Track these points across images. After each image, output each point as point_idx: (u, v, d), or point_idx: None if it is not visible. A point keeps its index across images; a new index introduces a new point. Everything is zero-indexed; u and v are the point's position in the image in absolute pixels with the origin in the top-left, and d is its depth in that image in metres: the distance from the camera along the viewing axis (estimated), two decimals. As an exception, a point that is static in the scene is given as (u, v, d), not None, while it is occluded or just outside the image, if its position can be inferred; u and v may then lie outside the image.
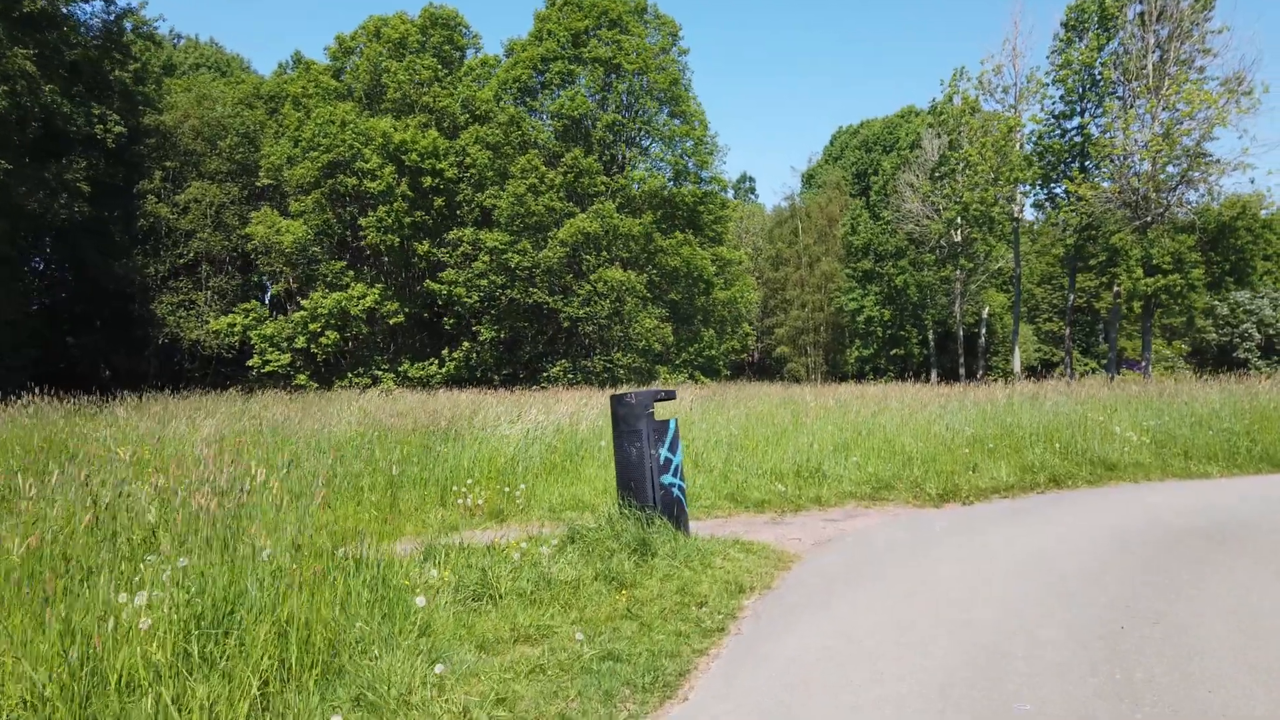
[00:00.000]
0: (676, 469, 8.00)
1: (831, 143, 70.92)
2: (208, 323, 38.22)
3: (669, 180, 37.45)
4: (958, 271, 50.36)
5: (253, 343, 37.24)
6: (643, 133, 36.92)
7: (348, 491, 10.88)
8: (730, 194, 44.46)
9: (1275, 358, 43.90)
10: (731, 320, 39.49)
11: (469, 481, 10.87)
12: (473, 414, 15.37)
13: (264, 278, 39.24)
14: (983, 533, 8.81)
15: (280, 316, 38.23)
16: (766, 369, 66.75)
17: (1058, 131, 44.32)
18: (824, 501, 10.86)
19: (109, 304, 40.72)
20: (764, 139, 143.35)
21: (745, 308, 39.90)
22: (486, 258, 34.81)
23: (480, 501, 10.52)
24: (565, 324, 34.96)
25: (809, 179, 72.48)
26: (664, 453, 7.88)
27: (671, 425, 8.01)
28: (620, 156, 36.61)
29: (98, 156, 39.44)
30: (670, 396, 8.16)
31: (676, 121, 36.93)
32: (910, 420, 14.69)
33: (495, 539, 7.65)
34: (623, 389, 28.99)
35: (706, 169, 38.26)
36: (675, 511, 7.89)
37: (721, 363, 39.33)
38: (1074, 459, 12.83)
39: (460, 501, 10.51)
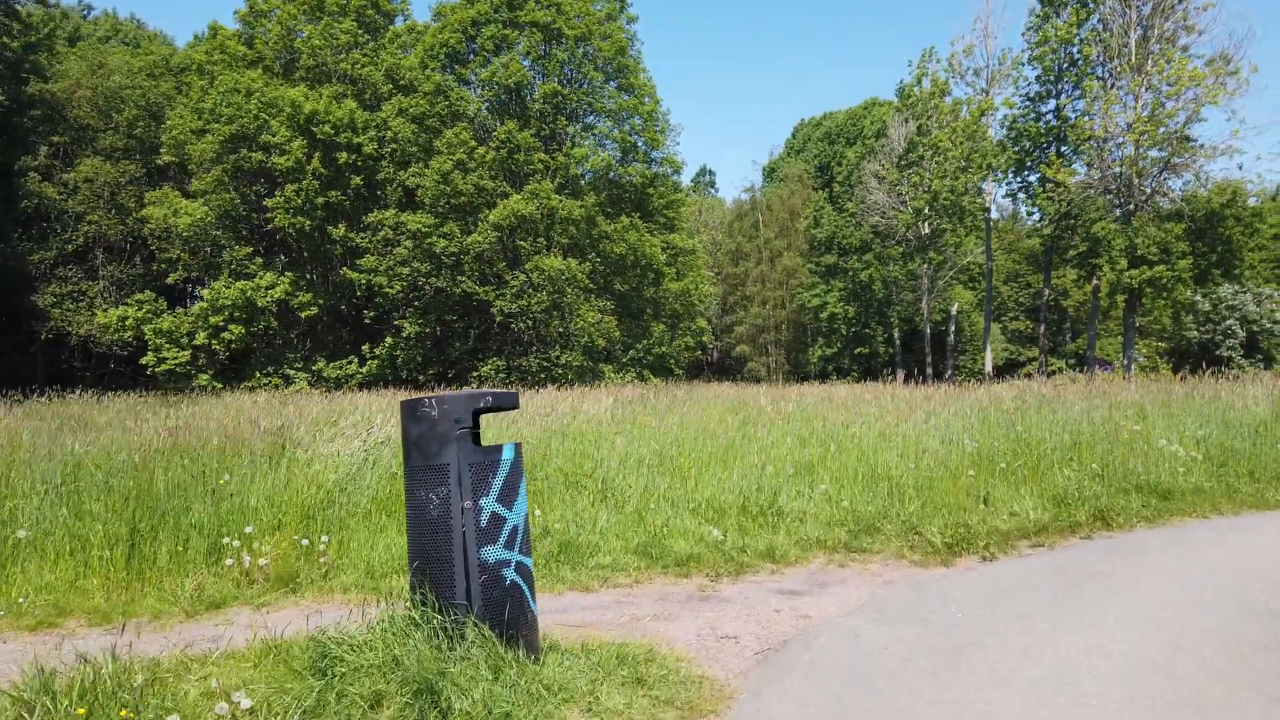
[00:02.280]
0: (515, 535, 4.45)
1: (793, 135, 67.97)
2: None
3: (615, 159, 33.91)
4: (925, 265, 47.48)
5: (147, 338, 33.02)
6: (585, 106, 33.34)
7: (70, 544, 7.25)
8: (684, 178, 41.15)
9: (1259, 356, 41.48)
10: (685, 314, 36.04)
11: (251, 528, 7.25)
12: (332, 423, 11.70)
13: (165, 266, 34.98)
14: (1030, 621, 5.42)
15: (180, 309, 34.06)
16: (726, 369, 63.60)
17: (1033, 115, 41.55)
18: (780, 556, 7.39)
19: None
20: (724, 133, 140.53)
21: (700, 300, 36.49)
22: (409, 243, 31.00)
23: (264, 561, 6.94)
24: (498, 318, 31.26)
25: (770, 172, 69.51)
26: (490, 506, 4.35)
27: (505, 456, 4.47)
28: (560, 132, 32.97)
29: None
30: (506, 405, 4.54)
31: (624, 95, 33.39)
32: (894, 431, 11.30)
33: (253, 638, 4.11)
34: (568, 392, 25.45)
35: (658, 148, 34.80)
36: (509, 613, 4.35)
37: (674, 361, 35.90)
38: (1117, 484, 9.51)
39: (232, 561, 6.92)
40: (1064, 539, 7.98)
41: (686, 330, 36.56)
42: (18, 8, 36.44)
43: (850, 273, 51.93)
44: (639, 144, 34.28)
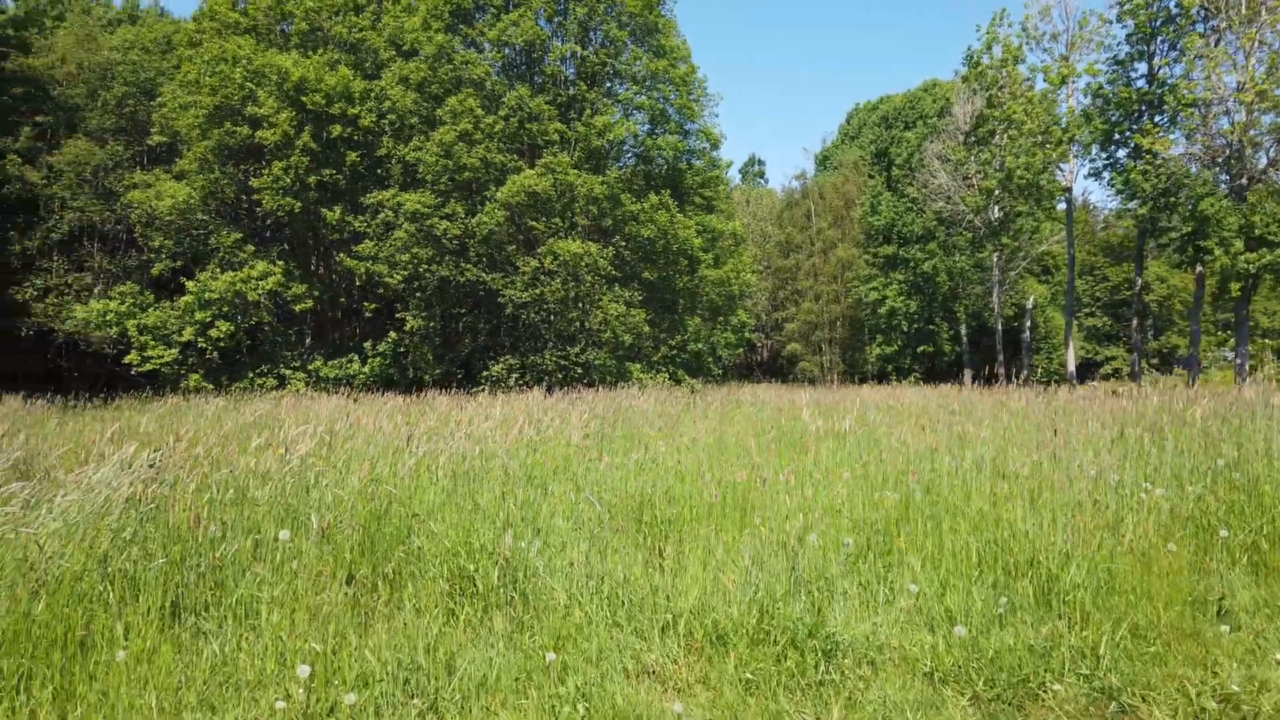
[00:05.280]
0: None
1: (848, 121, 63.24)
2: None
3: (643, 130, 29.81)
4: (996, 255, 42.60)
5: (130, 334, 29.84)
6: (609, 70, 29.30)
7: None
8: (732, 168, 36.84)
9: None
10: (725, 306, 31.80)
11: None
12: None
13: (154, 255, 31.86)
14: None
15: (165, 303, 30.85)
16: (777, 369, 59.20)
17: (1122, 80, 36.50)
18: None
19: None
20: (774, 121, 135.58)
21: (741, 290, 32.16)
22: (410, 226, 27.32)
23: None
24: (508, 310, 27.43)
25: (823, 161, 64.85)
26: None
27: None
28: (579, 99, 28.96)
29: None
30: None
31: (654, 58, 29.30)
32: (1004, 462, 7.09)
33: None
34: (587, 394, 21.58)
35: (693, 119, 30.61)
36: None
37: (713, 360, 31.75)
38: None
39: None
40: None
41: (725, 325, 32.34)
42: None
43: (911, 264, 47.25)
44: (671, 113, 30.16)
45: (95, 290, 32.56)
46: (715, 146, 32.07)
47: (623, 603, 4.74)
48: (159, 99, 31.96)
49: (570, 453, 8.38)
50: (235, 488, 5.76)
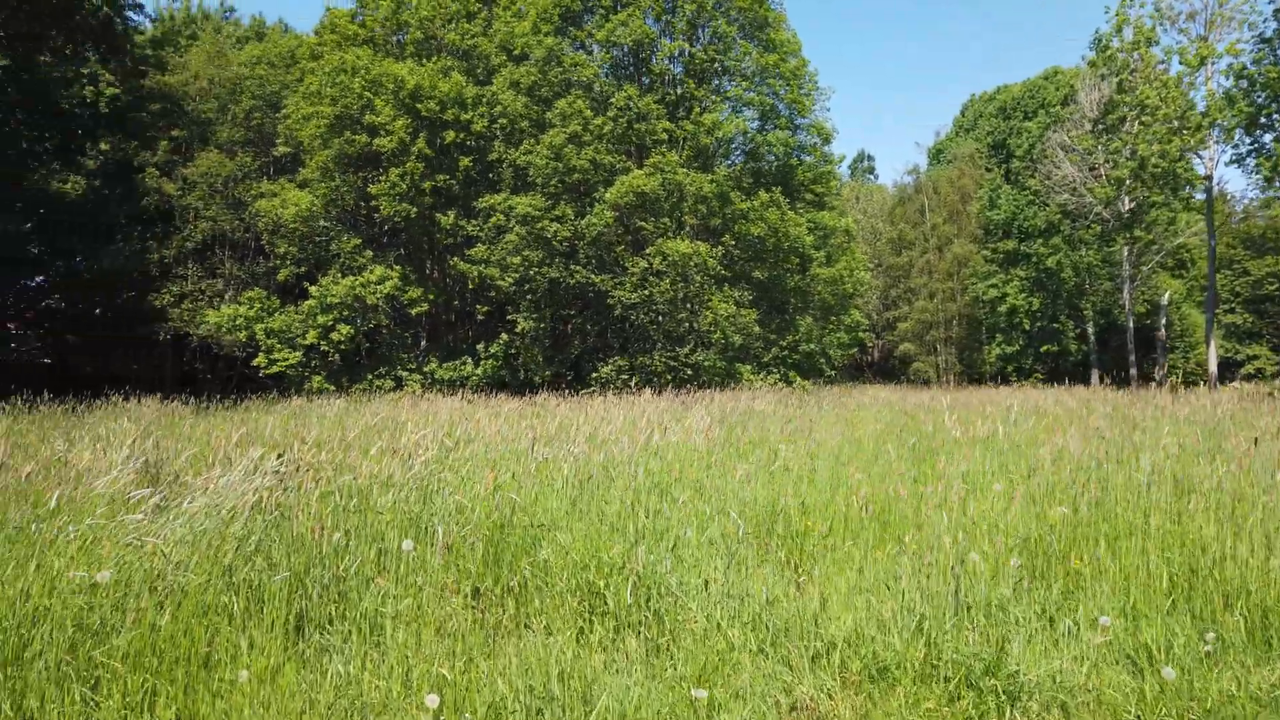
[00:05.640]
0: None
1: (962, 113, 61.00)
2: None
3: (752, 126, 29.28)
4: (1127, 249, 40.22)
5: (258, 338, 31.19)
6: (718, 67, 28.89)
7: None
8: (842, 163, 35.77)
9: None
10: (838, 305, 30.94)
11: None
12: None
13: (280, 261, 33.24)
14: None
15: (290, 307, 32.08)
16: (888, 370, 57.56)
17: (1269, 59, 33.86)
18: None
19: (107, 295, 35.71)
20: (883, 117, 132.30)
21: (855, 288, 31.22)
22: (521, 229, 27.58)
23: None
24: (617, 311, 27.36)
25: (936, 155, 62.78)
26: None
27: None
28: (688, 97, 28.66)
29: (94, 125, 34.48)
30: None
31: (764, 53, 28.74)
32: (1187, 476, 6.38)
33: None
34: (701, 395, 21.35)
35: (804, 113, 29.89)
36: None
37: (825, 360, 30.97)
38: None
39: None
40: None
41: (838, 325, 31.47)
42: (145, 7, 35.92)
43: (1033, 259, 45.13)
44: (780, 109, 29.54)
45: (226, 296, 34.12)
46: (827, 141, 31.29)
47: (767, 627, 4.38)
48: (283, 110, 33.28)
49: (694, 458, 8.05)
50: (358, 494, 5.65)
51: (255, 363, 31.43)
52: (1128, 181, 37.28)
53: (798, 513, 6.13)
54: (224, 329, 31.13)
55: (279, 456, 5.91)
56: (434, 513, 5.58)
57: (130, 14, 35.93)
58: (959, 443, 8.45)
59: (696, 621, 4.39)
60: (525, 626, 4.50)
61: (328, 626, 4.36)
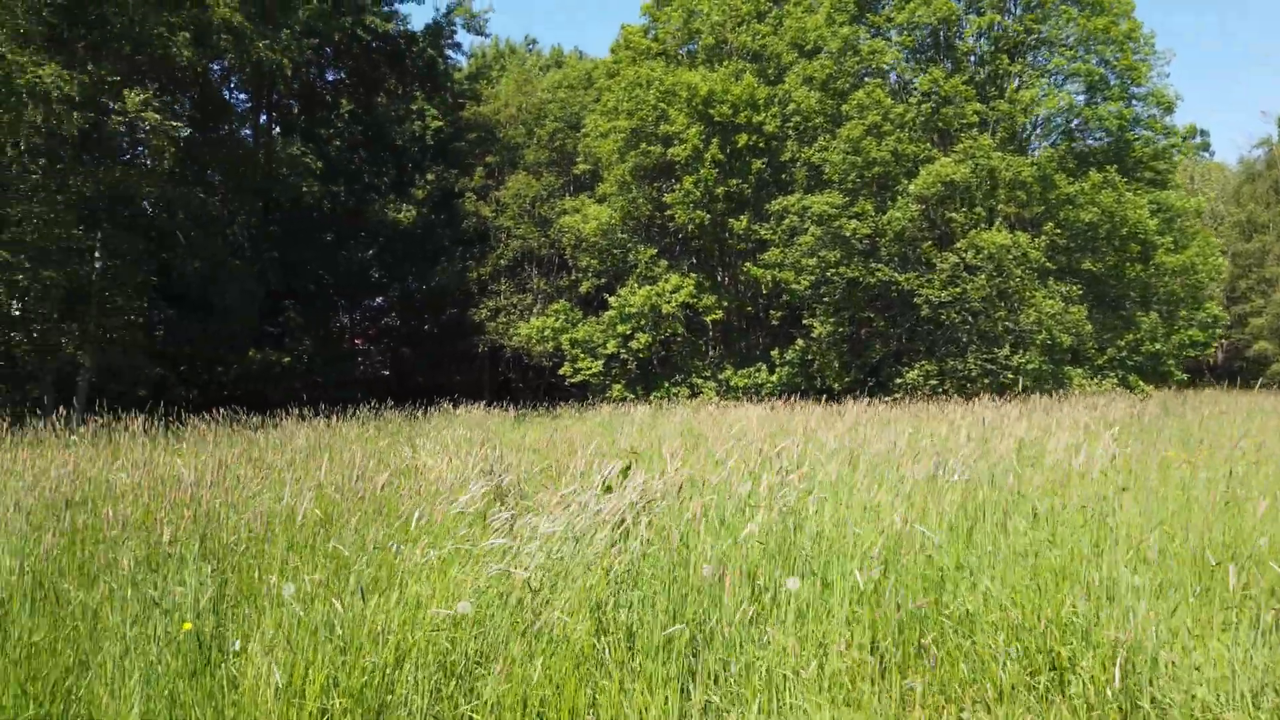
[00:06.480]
0: None
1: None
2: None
3: (1078, 100, 26.04)
4: None
5: (563, 348, 32.81)
6: (1034, 39, 26.02)
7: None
8: (1175, 123, 30.92)
9: None
10: (1188, 298, 26.73)
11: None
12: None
13: (582, 274, 34.94)
14: None
15: (591, 318, 33.44)
16: (1234, 373, 49.55)
17: None
18: None
19: (434, 312, 39.46)
20: (1221, 85, 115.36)
21: (1211, 277, 26.83)
22: (816, 229, 26.52)
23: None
24: (924, 311, 25.43)
25: (1294, 120, 53.32)
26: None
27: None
28: (1001, 74, 26.04)
29: (423, 158, 38.18)
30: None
31: (1089, 16, 25.50)
32: None
33: None
34: (1014, 402, 19.28)
35: (1139, 81, 26.17)
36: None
37: (1172, 362, 26.97)
38: None
39: None
40: None
41: (1189, 322, 27.20)
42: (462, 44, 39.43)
43: None
44: (1110, 78, 26.06)
45: (534, 309, 36.27)
46: (1169, 111, 27.17)
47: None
48: (582, 130, 34.80)
49: (1104, 483, 6.63)
50: (720, 519, 4.99)
51: (561, 371, 33.02)
52: None
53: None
54: (534, 340, 32.98)
55: (626, 469, 5.40)
56: (808, 541, 4.78)
57: (450, 53, 39.73)
58: None
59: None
60: (947, 700, 3.55)
61: (712, 685, 3.65)
